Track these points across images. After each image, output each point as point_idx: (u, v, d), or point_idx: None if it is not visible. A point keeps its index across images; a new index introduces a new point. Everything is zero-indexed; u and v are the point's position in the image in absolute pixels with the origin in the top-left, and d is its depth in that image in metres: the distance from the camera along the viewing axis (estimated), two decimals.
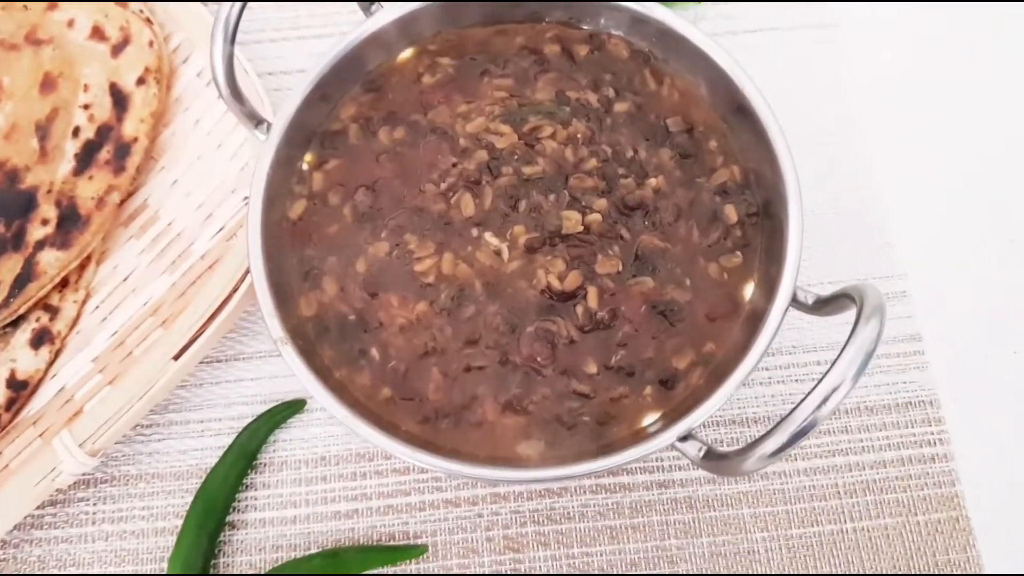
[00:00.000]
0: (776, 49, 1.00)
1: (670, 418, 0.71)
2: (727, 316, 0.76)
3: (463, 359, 0.72)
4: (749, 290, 0.77)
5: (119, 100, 0.92)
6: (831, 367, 0.59)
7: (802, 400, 0.58)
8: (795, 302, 0.70)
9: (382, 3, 0.80)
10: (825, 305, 0.68)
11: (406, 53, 0.85)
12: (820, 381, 0.57)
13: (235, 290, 0.83)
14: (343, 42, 0.81)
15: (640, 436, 0.70)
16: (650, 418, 0.73)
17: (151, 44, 0.94)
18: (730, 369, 0.70)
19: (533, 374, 0.73)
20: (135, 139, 0.91)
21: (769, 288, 0.73)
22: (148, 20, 0.94)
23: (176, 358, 0.82)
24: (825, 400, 0.58)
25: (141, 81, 0.92)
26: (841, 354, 0.60)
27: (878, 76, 1.01)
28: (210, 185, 0.91)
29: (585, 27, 0.85)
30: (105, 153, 0.90)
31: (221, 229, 0.89)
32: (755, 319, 0.73)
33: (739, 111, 0.79)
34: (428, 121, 0.81)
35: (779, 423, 0.59)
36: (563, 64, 0.84)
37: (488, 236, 0.75)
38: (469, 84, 0.83)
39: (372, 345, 0.74)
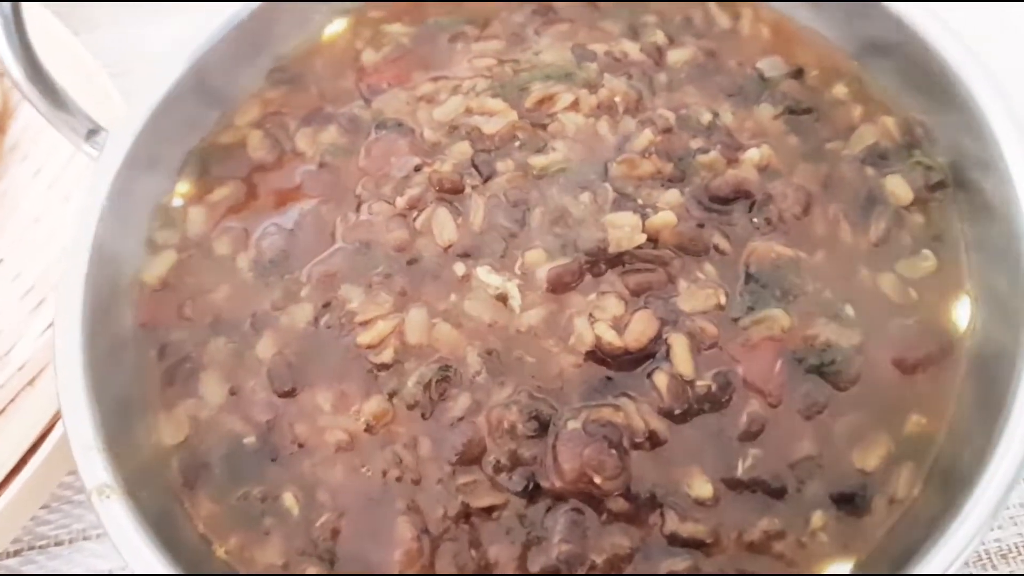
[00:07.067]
0: None
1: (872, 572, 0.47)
2: (933, 361, 0.51)
3: (454, 496, 0.49)
4: (963, 312, 0.53)
5: None
6: None
7: None
8: None
9: None
10: None
11: (335, 26, 0.69)
12: None
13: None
14: (233, 9, 0.64)
15: None
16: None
17: None
18: (969, 458, 0.46)
19: (590, 512, 0.48)
20: None
21: (1003, 305, 0.51)
22: None
23: None
24: None
25: None
26: None
27: None
28: (47, 258, 0.69)
29: None
30: None
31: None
32: (988, 361, 0.50)
33: (874, 45, 0.60)
34: (373, 112, 0.64)
35: None
36: (578, 10, 0.67)
37: (483, 273, 0.54)
38: (434, 55, 0.66)
39: (286, 486, 0.51)
